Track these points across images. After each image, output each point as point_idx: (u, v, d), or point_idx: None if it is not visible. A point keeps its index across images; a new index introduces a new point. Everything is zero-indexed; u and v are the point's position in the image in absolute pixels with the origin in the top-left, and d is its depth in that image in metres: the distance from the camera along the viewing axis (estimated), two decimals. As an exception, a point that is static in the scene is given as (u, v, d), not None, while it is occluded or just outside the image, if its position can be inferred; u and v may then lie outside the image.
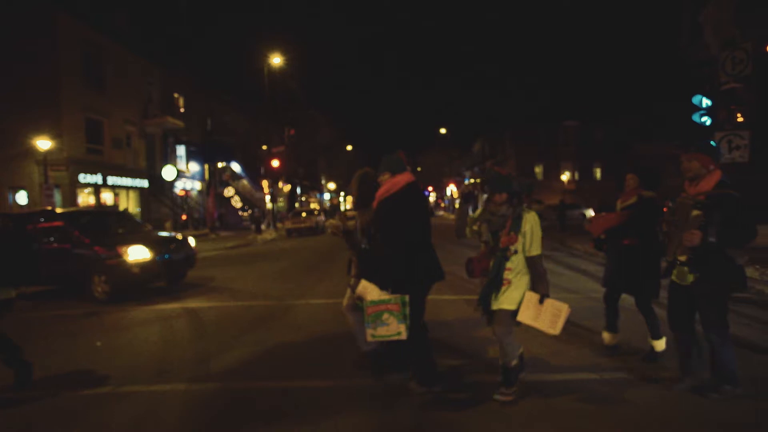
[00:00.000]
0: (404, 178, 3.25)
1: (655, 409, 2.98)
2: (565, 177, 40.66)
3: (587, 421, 2.85)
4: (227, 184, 30.23)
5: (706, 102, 8.14)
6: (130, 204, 21.42)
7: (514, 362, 3.09)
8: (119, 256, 7.00)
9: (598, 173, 43.65)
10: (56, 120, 16.89)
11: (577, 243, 13.21)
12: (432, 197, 75.22)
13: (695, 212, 2.84)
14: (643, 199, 3.80)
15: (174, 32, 25.87)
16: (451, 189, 61.39)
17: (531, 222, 2.99)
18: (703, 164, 3.05)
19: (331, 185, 55.92)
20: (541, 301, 2.93)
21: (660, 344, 3.77)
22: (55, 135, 16.09)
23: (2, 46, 16.58)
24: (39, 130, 15.46)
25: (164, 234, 9.01)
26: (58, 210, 8.39)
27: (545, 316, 2.90)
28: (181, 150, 26.16)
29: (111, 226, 8.52)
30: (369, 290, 3.14)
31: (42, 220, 7.74)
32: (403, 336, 3.04)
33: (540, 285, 2.98)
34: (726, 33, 7.73)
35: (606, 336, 4.03)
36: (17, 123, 16.38)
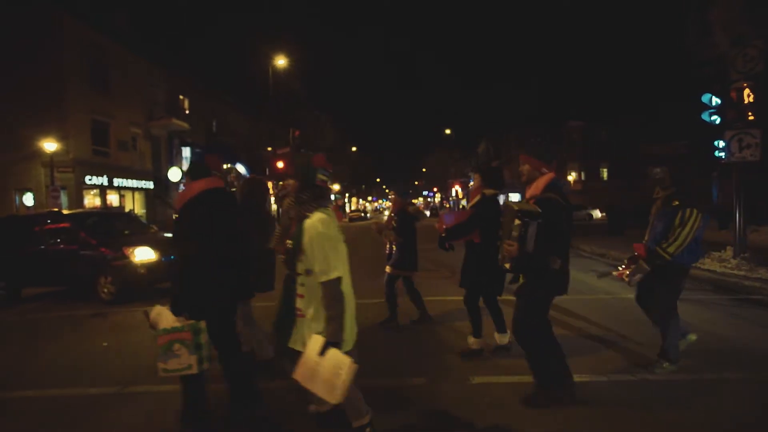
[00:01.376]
0: (200, 184, 2.88)
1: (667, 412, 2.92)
2: (571, 177, 40.44)
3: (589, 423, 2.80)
4: (232, 186, 30.33)
5: (715, 100, 8.05)
6: (135, 205, 21.51)
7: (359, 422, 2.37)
8: (125, 257, 7.01)
9: (604, 173, 43.36)
10: (62, 122, 17.01)
11: (584, 244, 13.12)
12: (437, 198, 75.08)
13: (517, 221, 2.80)
14: (485, 197, 3.82)
15: (178, 34, 26.02)
16: (456, 190, 61.24)
17: (311, 232, 2.19)
18: (534, 167, 3.03)
19: (336, 186, 55.95)
20: (322, 352, 2.13)
21: (503, 338, 3.98)
22: (61, 137, 16.20)
23: (8, 49, 16.73)
24: (45, 133, 15.58)
25: (170, 235, 9.02)
26: (65, 211, 8.43)
27: (323, 375, 2.11)
28: (186, 151, 26.25)
29: (117, 227, 8.54)
30: (163, 316, 2.72)
31: (49, 221, 7.77)
32: (194, 370, 2.64)
33: (328, 326, 2.17)
34: (736, 30, 7.64)
35: (471, 340, 4.02)
36: (24, 125, 16.50)
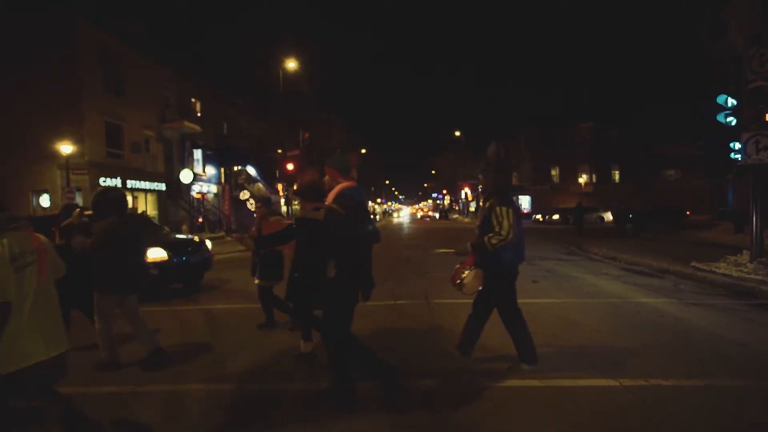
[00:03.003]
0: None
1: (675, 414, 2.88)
2: (582, 179, 40.04)
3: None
4: (243, 188, 30.55)
5: (731, 101, 7.92)
6: (148, 207, 21.80)
7: None
8: (138, 257, 7.10)
9: (616, 176, 42.84)
10: (77, 125, 17.32)
11: (595, 247, 12.97)
12: (446, 200, 74.85)
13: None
14: (304, 211, 3.89)
15: (189, 37, 26.37)
16: (466, 192, 60.99)
17: None
18: (333, 177, 3.24)
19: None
20: None
21: (306, 346, 4.15)
22: (76, 139, 16.51)
23: (24, 53, 17.10)
24: (61, 135, 15.89)
25: (181, 236, 9.13)
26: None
27: None
28: (197, 154, 26.55)
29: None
30: None
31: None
32: None
33: None
34: (752, 29, 7.49)
35: (302, 344, 4.15)
36: (40, 128, 16.86)
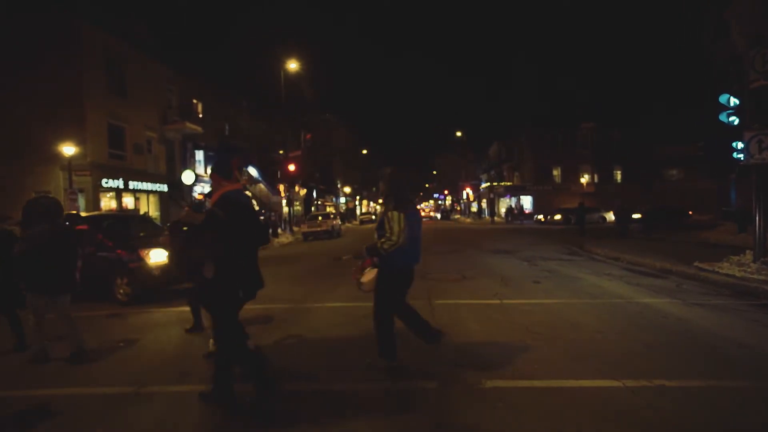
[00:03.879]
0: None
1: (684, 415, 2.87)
2: (584, 180, 39.97)
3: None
4: (244, 188, 30.57)
5: (733, 101, 7.89)
6: (150, 208, 21.85)
7: None
8: (141, 259, 7.13)
9: (618, 176, 42.75)
10: (80, 126, 17.36)
11: (597, 248, 12.94)
12: (447, 201, 74.80)
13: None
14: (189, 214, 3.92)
15: (191, 38, 26.39)
16: (467, 192, 60.96)
17: None
18: (216, 182, 3.36)
19: (347, 189, 56.14)
20: None
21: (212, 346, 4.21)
22: (79, 141, 16.54)
23: (26, 54, 17.14)
24: (63, 137, 15.92)
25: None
26: (83, 214, 8.60)
27: None
28: (199, 155, 26.60)
29: (132, 229, 8.68)
30: None
31: (67, 224, 7.91)
32: None
33: None
34: (755, 29, 7.46)
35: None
36: (42, 129, 16.90)
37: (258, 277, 3.53)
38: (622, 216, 18.18)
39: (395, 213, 3.60)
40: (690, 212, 26.16)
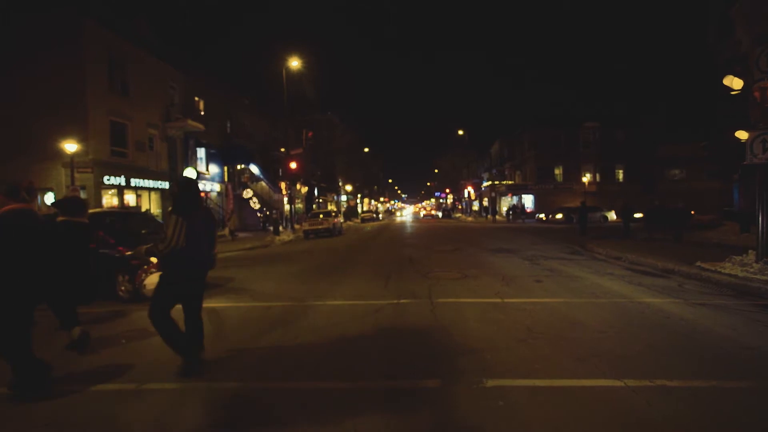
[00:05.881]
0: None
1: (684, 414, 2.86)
2: (586, 179, 39.87)
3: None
4: (246, 186, 30.62)
5: (736, 81, 7.81)
6: (151, 205, 21.88)
7: None
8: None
9: (620, 175, 42.64)
10: (82, 124, 17.39)
11: (599, 247, 12.91)
12: (449, 199, 74.73)
13: None
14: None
15: (194, 36, 26.41)
16: (469, 191, 60.90)
17: None
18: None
19: (348, 187, 56.15)
20: None
21: (74, 332, 4.61)
22: (81, 138, 16.57)
23: (29, 52, 17.18)
24: (66, 134, 15.94)
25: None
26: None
27: None
28: (201, 152, 26.63)
29: (134, 226, 8.68)
30: None
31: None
32: None
33: None
34: (760, 28, 7.42)
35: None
36: (45, 127, 16.93)
37: (88, 284, 4.15)
38: (627, 215, 18.12)
39: (174, 217, 3.77)
40: (692, 212, 26.08)
